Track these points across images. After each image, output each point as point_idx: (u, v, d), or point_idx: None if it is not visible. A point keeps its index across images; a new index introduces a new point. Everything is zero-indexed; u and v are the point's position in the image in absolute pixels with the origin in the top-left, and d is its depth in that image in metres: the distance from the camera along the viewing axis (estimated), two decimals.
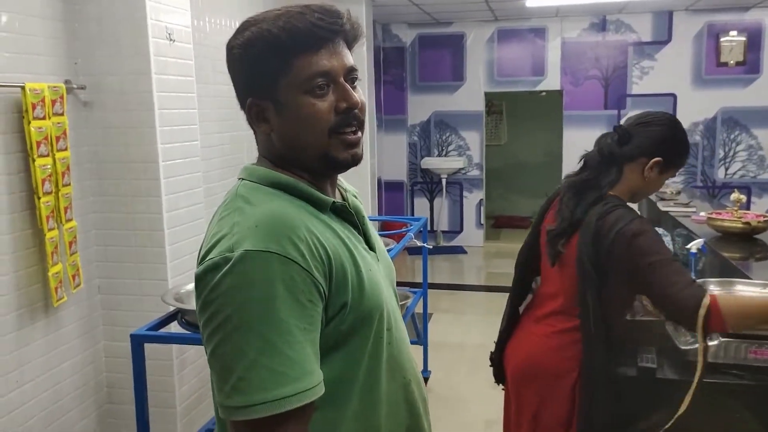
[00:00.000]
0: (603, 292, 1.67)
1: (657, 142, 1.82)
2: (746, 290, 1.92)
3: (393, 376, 1.09)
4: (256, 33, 1.00)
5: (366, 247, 1.10)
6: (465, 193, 7.59)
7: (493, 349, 2.14)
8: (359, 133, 1.05)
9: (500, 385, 2.10)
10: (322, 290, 0.94)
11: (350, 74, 1.04)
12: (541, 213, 2.01)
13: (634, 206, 1.86)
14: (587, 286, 1.68)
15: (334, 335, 0.99)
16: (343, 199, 1.15)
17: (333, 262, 0.96)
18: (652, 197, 4.37)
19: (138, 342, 2.08)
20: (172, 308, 2.32)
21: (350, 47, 1.07)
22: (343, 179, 1.20)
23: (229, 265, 0.90)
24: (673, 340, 1.76)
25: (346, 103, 1.02)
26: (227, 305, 0.90)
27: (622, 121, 2.07)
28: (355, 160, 1.06)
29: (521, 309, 2.05)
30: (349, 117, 1.03)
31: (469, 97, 7.34)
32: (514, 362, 1.95)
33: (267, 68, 1.01)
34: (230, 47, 1.04)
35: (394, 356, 1.09)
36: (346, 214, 1.08)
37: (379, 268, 1.10)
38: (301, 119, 1.01)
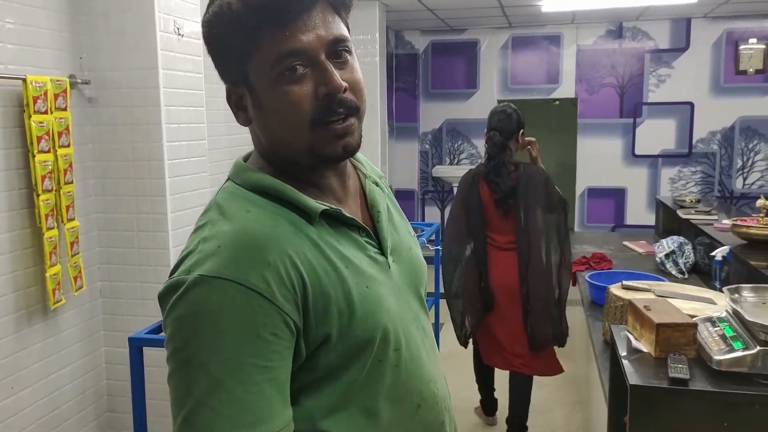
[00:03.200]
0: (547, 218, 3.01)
1: (516, 122, 3.18)
2: None
3: (400, 402, 0.94)
4: (217, 8, 0.85)
5: (377, 250, 0.95)
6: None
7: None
8: (351, 119, 0.88)
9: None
10: (291, 322, 0.81)
11: (337, 48, 0.87)
12: (468, 192, 3.21)
13: None
14: (535, 225, 3.01)
15: (322, 367, 0.86)
16: (362, 186, 1.02)
17: (310, 289, 0.83)
18: (671, 205, 4.29)
19: (137, 345, 1.99)
20: None
21: (340, 12, 0.89)
22: (365, 159, 1.06)
23: (181, 290, 0.79)
24: (705, 350, 1.65)
25: (326, 87, 0.85)
26: (178, 336, 0.80)
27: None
28: (348, 152, 0.89)
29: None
30: (334, 103, 0.86)
31: (482, 104, 7.25)
32: (507, 282, 3.12)
33: (232, 49, 0.86)
34: (201, 24, 0.90)
35: (402, 380, 0.93)
36: (343, 218, 0.92)
37: (389, 276, 0.95)
38: (276, 110, 0.86)
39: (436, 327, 4.04)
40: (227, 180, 0.94)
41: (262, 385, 0.79)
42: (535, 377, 3.34)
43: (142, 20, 2.61)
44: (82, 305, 2.72)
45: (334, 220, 0.91)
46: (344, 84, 0.86)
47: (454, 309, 3.25)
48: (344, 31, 0.89)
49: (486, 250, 3.17)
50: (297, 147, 0.88)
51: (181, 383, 0.79)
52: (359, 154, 1.00)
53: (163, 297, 0.83)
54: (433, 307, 3.80)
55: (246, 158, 0.98)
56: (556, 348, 3.25)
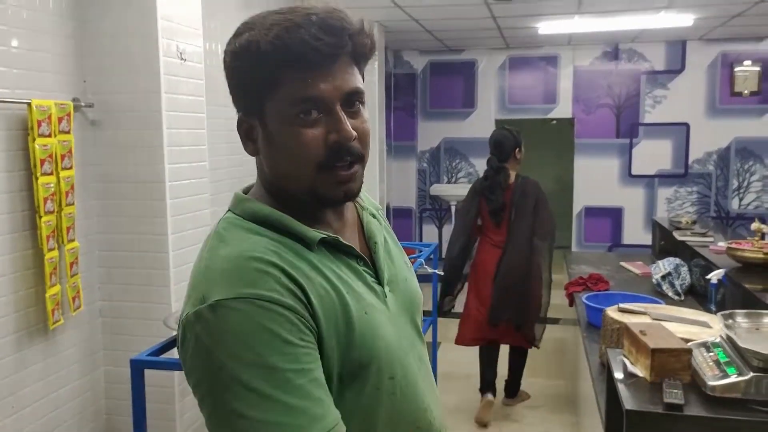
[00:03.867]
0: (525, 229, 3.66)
1: (512, 142, 3.71)
2: None
3: (395, 430, 0.96)
4: (245, 42, 0.88)
5: (374, 280, 0.98)
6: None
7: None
8: (355, 167, 0.92)
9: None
10: (310, 324, 0.84)
11: (352, 98, 0.91)
12: (470, 200, 3.88)
13: None
14: (519, 229, 3.68)
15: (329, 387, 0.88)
16: (359, 218, 1.05)
17: (313, 299, 0.86)
18: (667, 227, 4.32)
19: (138, 368, 2.00)
20: (174, 333, 2.25)
21: (359, 65, 0.94)
22: (364, 193, 1.09)
23: (201, 320, 0.82)
24: (699, 375, 1.67)
25: (337, 135, 0.88)
26: (211, 365, 0.81)
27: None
28: (348, 197, 0.93)
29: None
30: (342, 151, 0.89)
31: (480, 124, 7.30)
32: (491, 270, 3.80)
33: (253, 84, 0.90)
34: (224, 53, 0.93)
35: (398, 408, 0.95)
36: (341, 246, 0.95)
37: (386, 305, 0.97)
38: (285, 148, 0.89)
39: (434, 346, 4.05)
40: (227, 211, 0.97)
41: (307, 387, 0.80)
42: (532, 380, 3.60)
43: (145, 44, 2.65)
44: (81, 325, 2.74)
45: (333, 248, 0.94)
46: (354, 133, 0.90)
47: (452, 281, 4.00)
48: (360, 84, 0.93)
49: (480, 245, 3.91)
50: (300, 185, 0.92)
51: (228, 409, 0.79)
52: None
53: (183, 333, 0.85)
54: (431, 327, 3.81)
55: (246, 191, 1.01)
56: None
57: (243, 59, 0.89)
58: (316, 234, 0.92)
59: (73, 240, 2.57)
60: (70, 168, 2.52)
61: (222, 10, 3.54)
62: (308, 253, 0.90)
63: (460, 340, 3.92)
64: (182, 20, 2.80)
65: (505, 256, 3.72)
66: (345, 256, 0.96)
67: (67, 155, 2.50)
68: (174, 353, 2.30)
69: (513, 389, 4.04)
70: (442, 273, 3.98)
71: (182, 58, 2.76)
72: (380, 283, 0.99)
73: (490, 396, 3.83)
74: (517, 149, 3.73)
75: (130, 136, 2.71)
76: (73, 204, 2.55)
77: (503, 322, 3.75)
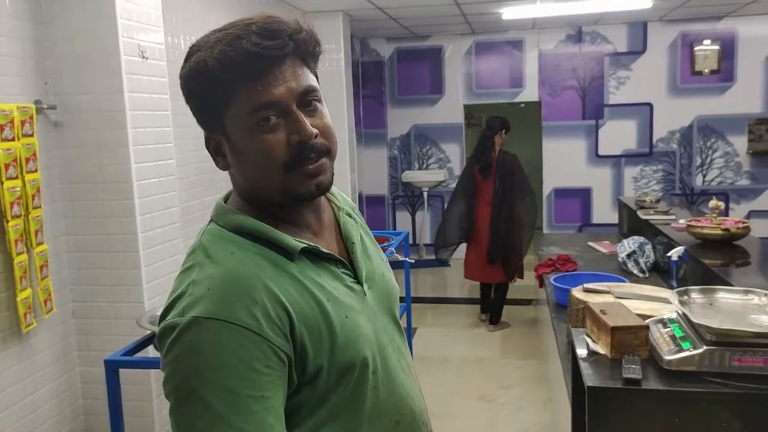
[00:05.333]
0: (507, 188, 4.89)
1: (500, 124, 5.05)
2: (727, 297, 1.91)
3: (378, 421, 1.00)
4: (194, 65, 0.91)
5: (353, 280, 1.02)
6: (446, 206, 7.58)
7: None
8: (322, 159, 0.95)
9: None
10: (282, 353, 0.88)
11: (306, 98, 0.94)
12: (467, 168, 5.28)
13: None
14: (502, 188, 4.92)
15: (314, 396, 0.93)
16: (336, 218, 1.09)
17: (296, 323, 0.89)
18: (632, 206, 4.42)
19: (113, 368, 2.02)
20: (148, 332, 2.27)
21: (308, 63, 0.96)
22: (338, 193, 1.13)
23: (176, 331, 0.86)
24: (657, 350, 1.74)
25: (299, 136, 0.91)
26: (177, 374, 0.86)
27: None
28: (321, 189, 0.96)
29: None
30: (306, 150, 0.92)
31: (449, 109, 7.36)
32: (484, 224, 5.06)
33: (210, 102, 0.93)
34: (179, 77, 0.96)
35: (380, 400, 1.00)
36: (321, 254, 0.99)
37: (365, 303, 1.02)
38: (252, 157, 0.93)
39: (409, 332, 4.11)
40: (210, 222, 1.01)
41: (261, 414, 0.84)
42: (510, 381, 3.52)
43: (105, 44, 2.63)
44: (54, 327, 2.74)
45: (313, 256, 0.98)
46: (315, 131, 0.93)
47: (452, 235, 5.34)
48: (313, 82, 0.96)
49: (476, 204, 5.13)
50: (272, 188, 0.95)
51: (185, 418, 0.85)
52: (333, 188, 1.07)
53: (160, 338, 0.89)
54: (405, 313, 3.87)
55: (226, 198, 1.04)
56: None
57: (196, 80, 0.92)
58: (297, 244, 0.95)
59: (42, 243, 2.57)
60: (36, 171, 2.51)
61: (183, 2, 3.52)
62: (289, 264, 0.94)
63: (470, 277, 5.35)
64: (142, 17, 2.78)
65: (494, 210, 4.98)
66: (325, 261, 1.00)
67: (31, 158, 2.48)
68: (148, 351, 2.32)
69: (495, 318, 5.23)
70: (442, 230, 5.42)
71: (144, 56, 2.76)
72: (359, 281, 1.04)
73: (484, 316, 5.40)
74: (504, 130, 5.07)
75: (94, 136, 2.70)
76: (40, 207, 2.54)
77: (498, 260, 5.00)
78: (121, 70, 2.64)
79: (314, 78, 0.97)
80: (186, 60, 0.94)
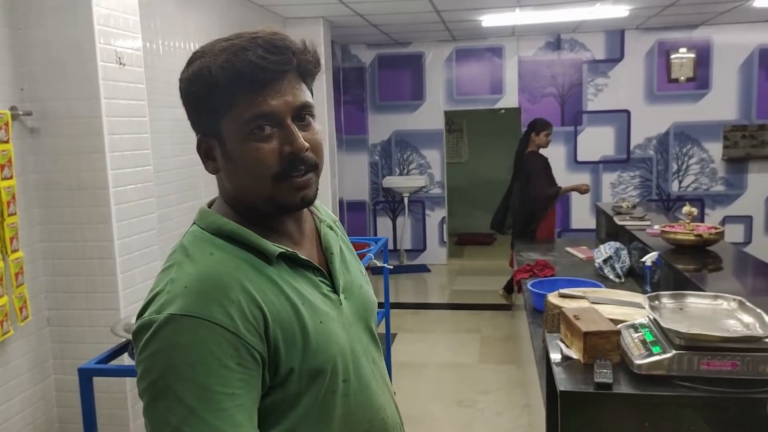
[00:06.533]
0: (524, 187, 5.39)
1: (534, 124, 5.34)
2: (697, 302, 1.94)
3: (348, 429, 1.02)
4: (197, 69, 0.95)
5: (330, 289, 1.04)
6: (427, 212, 7.62)
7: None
8: (310, 174, 0.99)
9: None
10: (256, 353, 0.90)
11: (302, 112, 0.98)
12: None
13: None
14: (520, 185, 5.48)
15: (285, 399, 0.95)
16: (317, 230, 1.11)
17: (271, 323, 0.92)
18: (610, 212, 4.48)
19: (86, 376, 2.01)
20: (123, 339, 2.25)
21: (306, 80, 1.01)
22: (321, 206, 1.16)
23: (153, 328, 0.88)
24: (628, 355, 1.77)
25: (290, 147, 0.95)
26: (152, 369, 0.87)
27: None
28: (305, 202, 1.00)
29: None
30: (297, 161, 0.96)
31: (430, 115, 7.40)
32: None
33: (209, 107, 0.96)
34: (179, 80, 0.99)
35: (351, 409, 1.02)
36: (299, 260, 1.01)
37: (341, 312, 1.04)
38: (243, 163, 0.96)
39: (387, 338, 4.12)
40: (193, 224, 1.03)
41: (231, 410, 0.86)
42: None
43: (82, 50, 2.62)
44: (29, 335, 2.71)
45: (292, 261, 1.01)
46: (306, 144, 0.97)
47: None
48: (309, 98, 1.00)
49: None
50: (259, 196, 0.98)
51: (158, 413, 0.86)
52: (316, 201, 1.10)
53: (136, 335, 0.91)
54: (383, 319, 3.88)
55: (210, 204, 1.07)
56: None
57: (197, 85, 0.95)
58: (276, 249, 0.98)
59: (17, 250, 2.54)
60: (11, 177, 2.49)
61: (160, 7, 3.52)
62: (268, 268, 0.97)
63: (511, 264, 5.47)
64: (119, 23, 2.78)
65: (513, 202, 5.66)
66: (303, 268, 1.02)
67: (7, 165, 2.46)
68: (123, 359, 2.31)
69: (509, 290, 5.65)
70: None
71: (121, 63, 2.75)
72: (336, 291, 1.05)
73: (503, 291, 5.83)
74: (533, 133, 5.31)
75: (71, 143, 2.68)
76: (15, 214, 2.52)
77: (499, 231, 5.91)
78: (98, 76, 2.63)
79: (310, 95, 1.02)
80: (188, 64, 0.98)
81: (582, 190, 5.52)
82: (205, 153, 1.01)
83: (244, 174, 0.97)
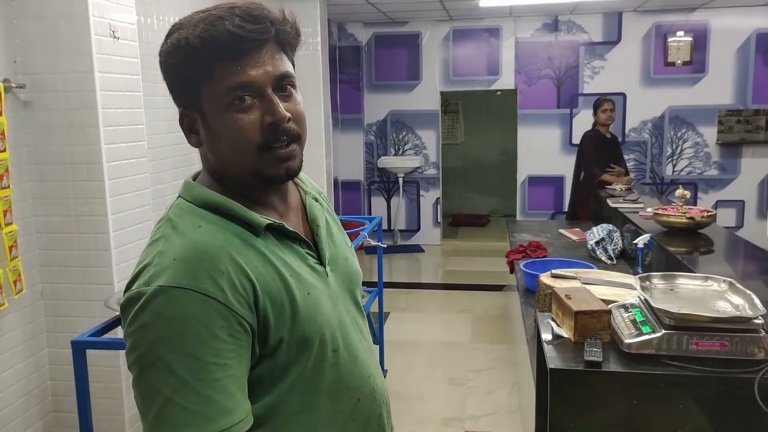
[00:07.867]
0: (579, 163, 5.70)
1: (594, 104, 5.52)
2: (687, 283, 1.96)
3: (338, 398, 1.03)
4: (175, 41, 0.94)
5: (316, 261, 1.04)
6: (422, 192, 7.62)
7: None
8: (293, 146, 0.98)
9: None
10: (246, 323, 0.90)
11: (282, 83, 0.97)
12: None
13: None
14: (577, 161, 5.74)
15: (274, 369, 0.95)
16: (302, 202, 1.11)
17: (260, 294, 0.92)
18: (603, 194, 4.49)
19: (80, 349, 2.01)
20: (116, 313, 2.26)
21: (287, 51, 0.99)
22: (306, 177, 1.15)
23: (142, 300, 0.87)
24: (618, 334, 1.79)
25: (272, 117, 0.95)
26: (142, 342, 0.87)
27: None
28: (290, 174, 0.99)
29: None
30: (278, 132, 0.95)
31: (426, 96, 7.37)
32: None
33: (188, 79, 0.95)
34: (159, 54, 0.98)
35: (341, 377, 1.03)
36: (286, 232, 1.01)
37: (327, 284, 1.05)
38: (225, 135, 0.95)
39: (380, 317, 4.14)
40: (178, 197, 1.02)
41: (224, 381, 0.87)
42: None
43: (76, 24, 2.59)
44: (23, 308, 2.71)
45: (278, 233, 1.00)
46: (288, 114, 0.96)
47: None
48: (290, 68, 0.99)
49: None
50: (243, 168, 0.97)
51: (149, 385, 0.87)
52: (301, 173, 1.09)
53: (124, 308, 0.91)
54: (376, 298, 3.90)
55: (194, 177, 1.06)
56: None
57: (176, 56, 0.94)
58: (263, 220, 0.98)
59: (11, 223, 2.54)
60: (4, 150, 2.48)
61: None
62: (255, 239, 0.96)
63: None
64: None
65: (574, 178, 5.85)
66: (289, 240, 1.02)
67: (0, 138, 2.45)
68: (117, 333, 2.32)
69: None
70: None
71: (115, 36, 2.72)
72: (322, 263, 1.06)
73: None
74: (595, 109, 5.47)
75: (64, 116, 2.66)
76: (8, 187, 2.51)
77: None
78: (91, 50, 2.60)
79: (291, 65, 1.00)
80: (167, 37, 0.97)
81: (616, 177, 5.33)
82: (188, 126, 1.00)
83: (226, 146, 0.96)
